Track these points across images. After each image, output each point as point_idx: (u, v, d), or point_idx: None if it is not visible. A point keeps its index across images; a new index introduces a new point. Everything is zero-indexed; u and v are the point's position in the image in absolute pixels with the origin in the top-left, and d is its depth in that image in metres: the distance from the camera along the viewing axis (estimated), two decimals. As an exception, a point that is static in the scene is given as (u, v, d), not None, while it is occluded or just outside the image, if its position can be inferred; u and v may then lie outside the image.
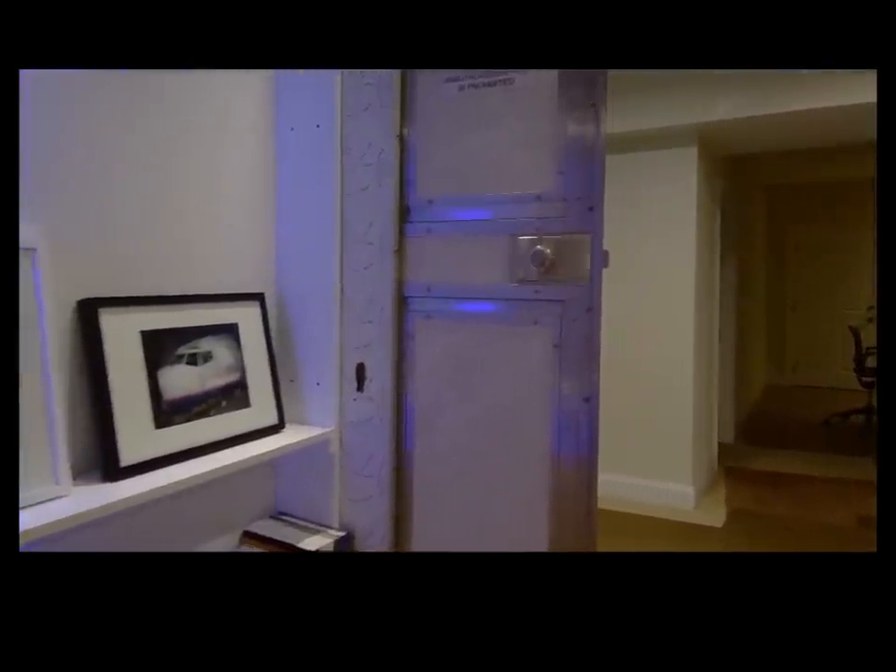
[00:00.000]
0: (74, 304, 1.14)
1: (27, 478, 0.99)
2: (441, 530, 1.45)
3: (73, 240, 1.14)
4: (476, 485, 1.40)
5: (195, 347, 1.31)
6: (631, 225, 4.04)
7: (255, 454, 1.31)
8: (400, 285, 1.45)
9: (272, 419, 1.45)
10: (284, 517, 1.57)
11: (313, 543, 1.44)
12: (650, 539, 3.56)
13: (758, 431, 6.14)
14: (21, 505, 0.98)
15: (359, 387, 1.48)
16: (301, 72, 1.51)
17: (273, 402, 1.46)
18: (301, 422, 1.54)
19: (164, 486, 1.13)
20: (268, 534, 1.48)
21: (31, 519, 0.95)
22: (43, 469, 1.02)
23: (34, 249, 1.04)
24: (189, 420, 1.27)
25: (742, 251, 6.04)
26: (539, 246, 1.29)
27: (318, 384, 1.51)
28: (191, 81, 1.35)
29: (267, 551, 1.45)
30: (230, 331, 1.39)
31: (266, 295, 1.51)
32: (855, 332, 6.13)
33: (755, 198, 7.27)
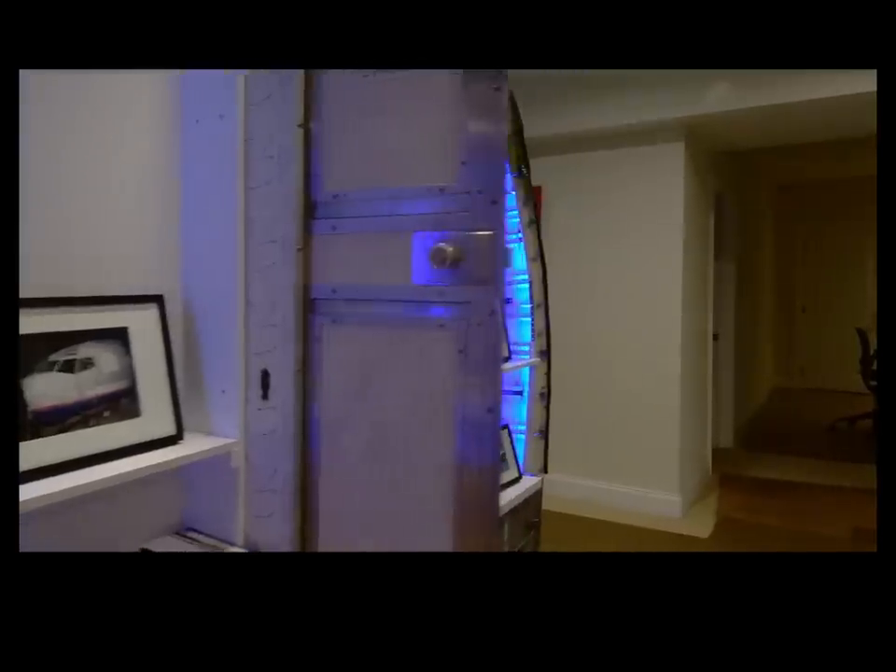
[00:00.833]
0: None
1: None
2: (346, 547, 1.34)
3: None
4: (381, 499, 1.30)
5: (72, 353, 1.21)
6: (615, 224, 3.91)
7: (138, 467, 1.22)
8: (306, 286, 1.35)
9: (167, 429, 1.35)
10: (189, 533, 1.47)
11: (211, 563, 1.34)
12: (628, 549, 3.42)
13: (760, 436, 5.96)
14: None
15: (264, 396, 1.38)
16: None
17: (169, 411, 1.36)
18: (206, 432, 1.44)
19: (26, 501, 1.04)
20: (162, 552, 1.38)
21: None
22: None
23: None
24: (62, 431, 1.18)
25: (745, 250, 5.86)
26: (440, 244, 1.18)
27: (223, 391, 1.42)
28: (86, 80, 1.26)
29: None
30: (117, 336, 1.29)
31: (170, 297, 1.41)
32: (862, 334, 5.92)
33: (763, 196, 7.08)
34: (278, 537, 1.38)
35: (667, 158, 3.71)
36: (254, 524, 1.41)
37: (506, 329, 2.77)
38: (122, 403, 1.28)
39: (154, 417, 1.33)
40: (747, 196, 6.00)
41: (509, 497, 2.60)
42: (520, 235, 2.69)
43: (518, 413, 2.89)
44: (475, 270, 1.17)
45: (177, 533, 1.48)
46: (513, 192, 2.63)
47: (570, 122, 3.75)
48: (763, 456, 5.26)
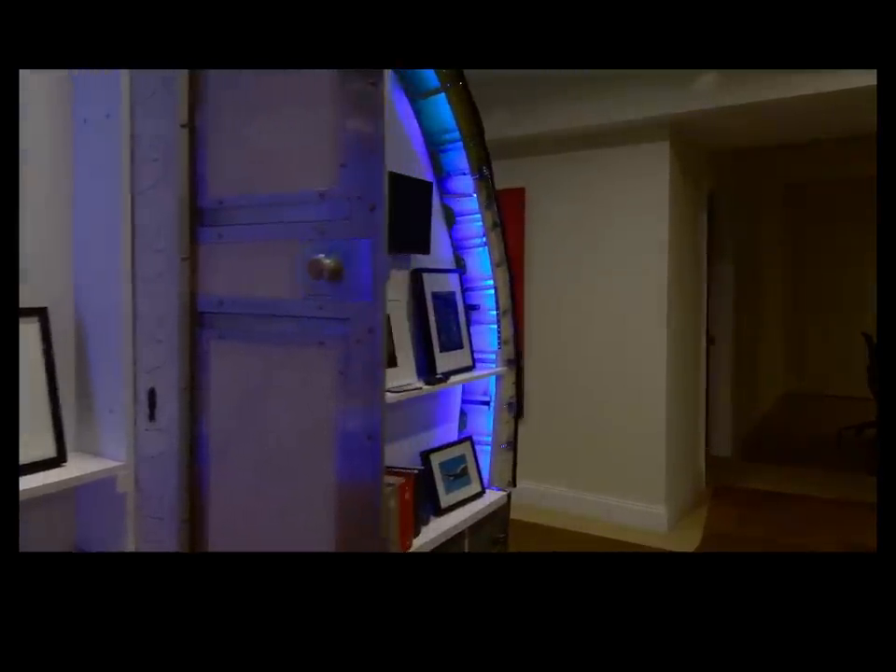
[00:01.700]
0: None
1: None
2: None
3: None
4: (269, 527, 1.20)
5: (-71, 371, 1.13)
6: (600, 225, 3.77)
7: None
8: (193, 299, 1.25)
9: (46, 452, 1.26)
10: (80, 560, 1.39)
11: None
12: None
13: (762, 445, 5.77)
14: None
15: (151, 416, 1.29)
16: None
17: (50, 433, 1.27)
18: (95, 453, 1.35)
19: None
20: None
21: None
22: None
23: None
24: (-85, 456, 1.09)
25: (747, 251, 5.68)
26: (317, 256, 1.08)
27: (111, 411, 1.33)
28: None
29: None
30: (-14, 352, 1.21)
31: (59, 310, 1.33)
32: (868, 339, 5.71)
33: (770, 195, 6.87)
34: (166, 567, 1.29)
35: (652, 157, 3.57)
36: (145, 550, 1.32)
37: (470, 337, 2.67)
38: (-9, 424, 1.19)
39: (31, 439, 1.24)
40: (750, 196, 5.82)
41: (470, 513, 2.49)
42: (484, 240, 2.58)
43: (485, 424, 2.78)
44: (355, 283, 1.07)
45: (68, 559, 1.39)
46: (475, 195, 2.52)
47: (553, 121, 3.63)
48: (763, 467, 5.08)
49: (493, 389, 2.77)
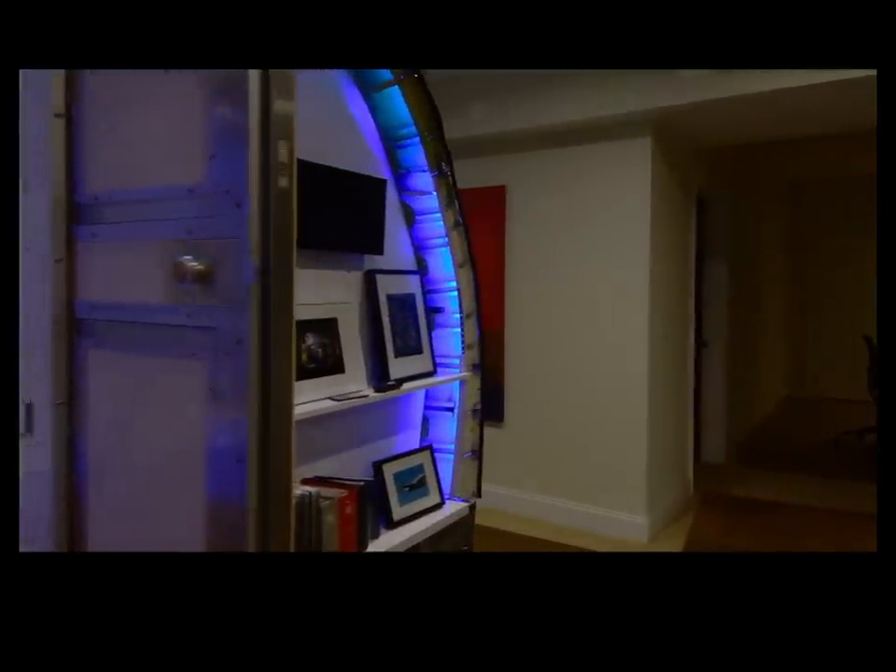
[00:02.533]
0: None
1: None
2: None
3: None
4: (144, 546, 1.10)
5: None
6: (580, 224, 3.65)
7: None
8: (69, 303, 1.15)
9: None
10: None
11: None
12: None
13: (759, 451, 5.62)
14: None
15: (27, 431, 1.19)
16: None
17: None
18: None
19: None
20: None
21: None
22: None
23: None
24: None
25: (744, 251, 5.52)
26: (181, 258, 0.97)
27: (-11, 424, 1.22)
28: None
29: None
30: None
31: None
32: (869, 341, 5.54)
33: (769, 195, 6.70)
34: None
35: (634, 153, 3.44)
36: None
37: (431, 341, 2.56)
38: None
39: None
40: (747, 194, 5.66)
41: (426, 525, 2.38)
42: (446, 239, 2.46)
43: (450, 432, 2.66)
44: (222, 288, 0.96)
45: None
46: (434, 193, 2.41)
47: (533, 117, 3.50)
48: (758, 474, 4.94)
49: (457, 395, 2.66)
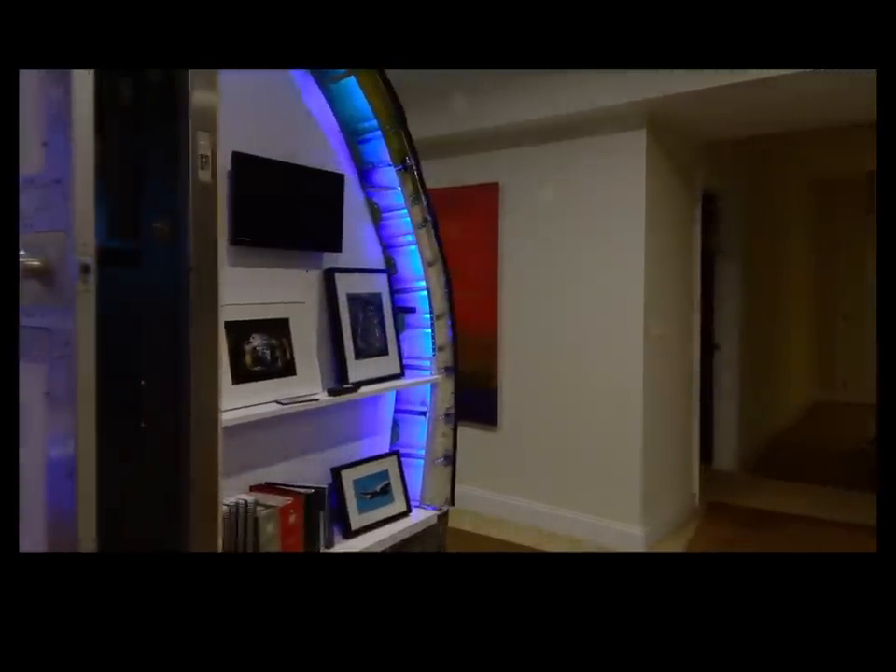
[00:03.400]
0: None
1: None
2: None
3: None
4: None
5: None
6: (574, 222, 3.51)
7: None
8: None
9: None
10: None
11: None
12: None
13: (776, 459, 5.38)
14: None
15: None
16: None
17: None
18: None
19: None
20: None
21: None
22: None
23: None
24: None
25: (761, 253, 5.29)
26: (21, 251, 0.90)
27: None
28: None
29: None
30: None
31: None
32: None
33: (788, 190, 6.43)
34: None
35: (628, 147, 3.29)
36: None
37: (399, 342, 2.46)
38: None
39: None
40: (763, 190, 5.43)
41: (388, 534, 2.29)
42: (413, 238, 2.37)
43: (420, 437, 2.57)
44: (57, 287, 0.88)
45: None
46: (399, 189, 2.31)
47: (525, 111, 3.38)
48: (770, 483, 4.72)
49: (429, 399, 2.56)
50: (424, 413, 2.56)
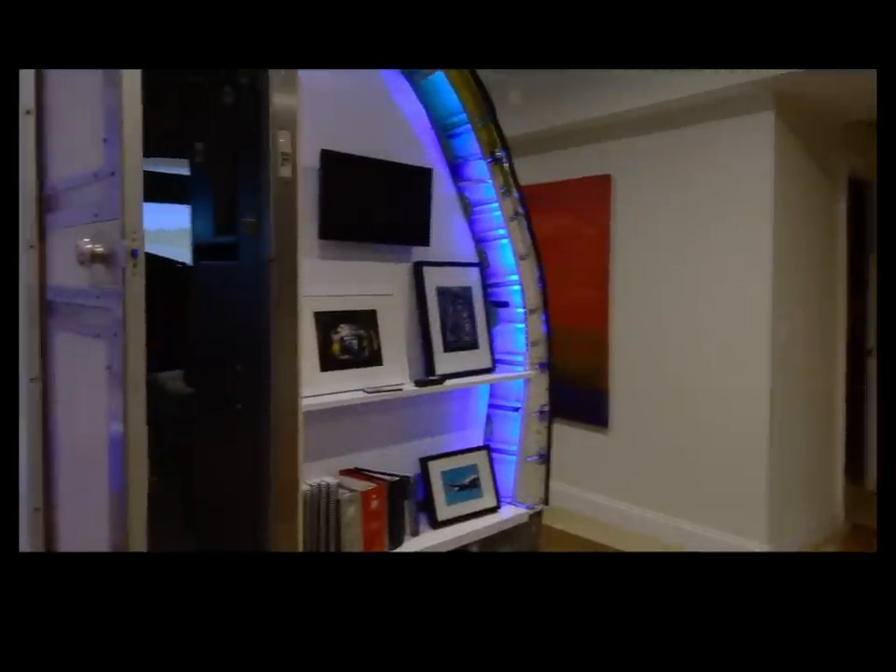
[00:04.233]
0: None
1: None
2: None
3: None
4: (81, 522, 1.16)
5: None
6: (695, 215, 3.29)
7: None
8: (41, 287, 1.25)
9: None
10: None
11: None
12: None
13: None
14: None
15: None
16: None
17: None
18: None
19: None
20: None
21: None
22: None
23: None
24: None
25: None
26: (80, 241, 1.01)
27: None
28: None
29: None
30: None
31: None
32: None
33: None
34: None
35: (754, 131, 3.03)
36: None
37: (490, 336, 2.45)
38: None
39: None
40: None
41: (475, 528, 2.28)
42: (505, 231, 2.34)
43: (513, 433, 2.53)
44: (114, 271, 0.98)
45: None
46: (489, 181, 2.30)
47: (637, 97, 3.23)
48: (934, 506, 4.12)
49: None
50: (518, 410, 2.52)
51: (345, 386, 1.98)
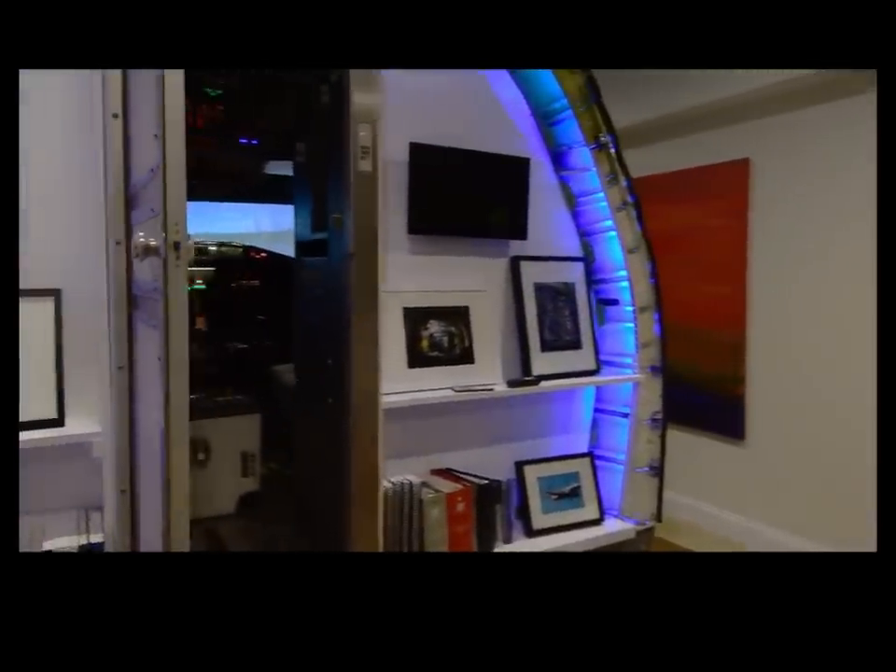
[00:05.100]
0: None
1: None
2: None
3: None
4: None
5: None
6: (846, 204, 2.88)
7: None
8: (128, 281, 1.32)
9: (48, 413, 1.46)
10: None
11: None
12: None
13: None
14: None
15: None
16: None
17: (53, 397, 1.47)
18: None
19: None
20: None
21: None
22: None
23: None
24: None
25: None
26: (138, 233, 1.04)
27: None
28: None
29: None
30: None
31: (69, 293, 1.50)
32: None
33: None
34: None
35: (851, 118, 2.59)
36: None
37: (595, 335, 2.29)
38: None
39: (37, 401, 1.45)
40: None
41: (576, 540, 2.14)
42: (612, 223, 2.18)
43: (621, 440, 2.35)
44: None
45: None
46: (594, 169, 2.15)
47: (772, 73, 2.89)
48: None
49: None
50: (627, 416, 2.34)
51: (433, 384, 1.93)
